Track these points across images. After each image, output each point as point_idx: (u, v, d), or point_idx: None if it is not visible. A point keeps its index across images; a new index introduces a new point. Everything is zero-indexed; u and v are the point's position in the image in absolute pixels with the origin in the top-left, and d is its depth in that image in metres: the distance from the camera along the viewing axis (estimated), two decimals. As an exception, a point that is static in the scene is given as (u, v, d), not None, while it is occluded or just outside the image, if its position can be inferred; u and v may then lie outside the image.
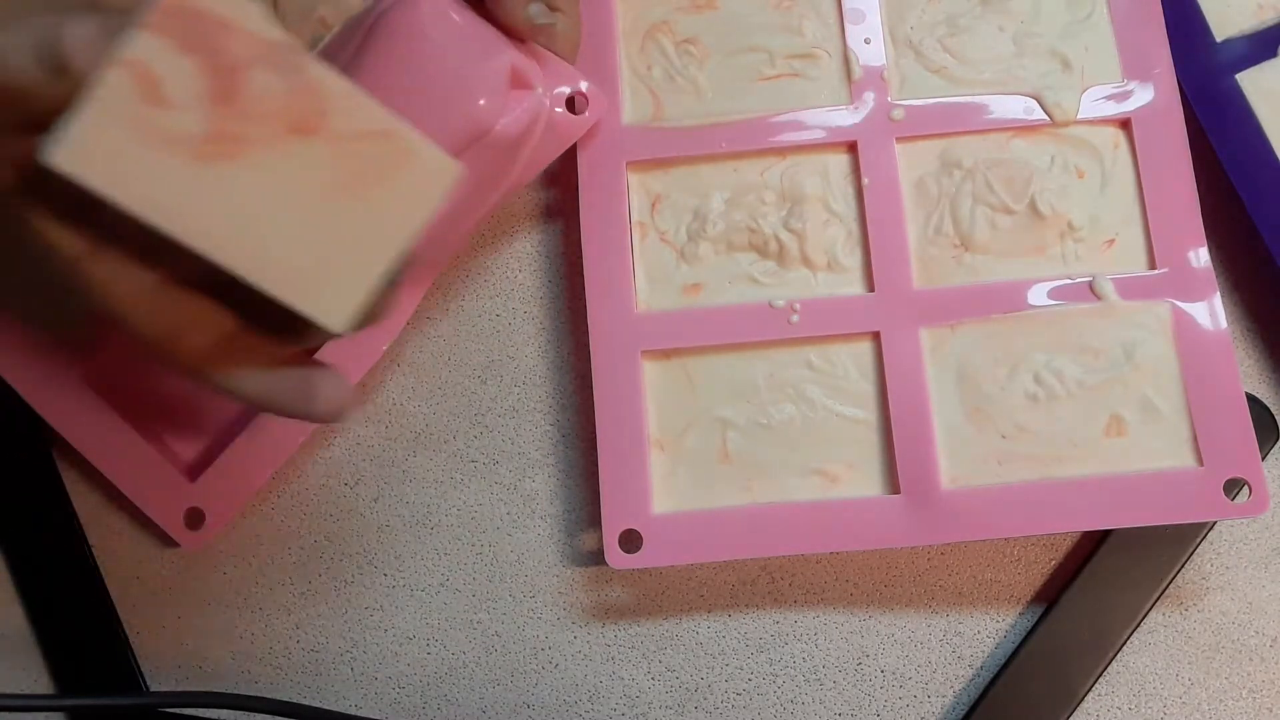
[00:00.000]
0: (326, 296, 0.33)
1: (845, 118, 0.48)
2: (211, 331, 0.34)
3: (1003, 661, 0.46)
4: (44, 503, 0.49)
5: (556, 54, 0.44)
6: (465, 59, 0.41)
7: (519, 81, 0.42)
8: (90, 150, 0.30)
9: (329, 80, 0.33)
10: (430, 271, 0.47)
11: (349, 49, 0.42)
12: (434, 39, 0.41)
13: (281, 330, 0.35)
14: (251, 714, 0.47)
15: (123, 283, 0.32)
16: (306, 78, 0.33)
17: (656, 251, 0.48)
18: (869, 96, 0.48)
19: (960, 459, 0.45)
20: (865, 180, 0.47)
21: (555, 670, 0.47)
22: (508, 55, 0.41)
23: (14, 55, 0.30)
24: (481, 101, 0.40)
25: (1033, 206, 0.46)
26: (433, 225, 0.41)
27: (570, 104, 0.45)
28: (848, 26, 0.49)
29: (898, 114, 0.48)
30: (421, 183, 0.35)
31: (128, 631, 0.48)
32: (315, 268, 0.33)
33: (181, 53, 0.31)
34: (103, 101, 0.30)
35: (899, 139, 0.48)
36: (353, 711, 0.47)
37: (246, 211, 0.32)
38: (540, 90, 0.43)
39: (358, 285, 0.34)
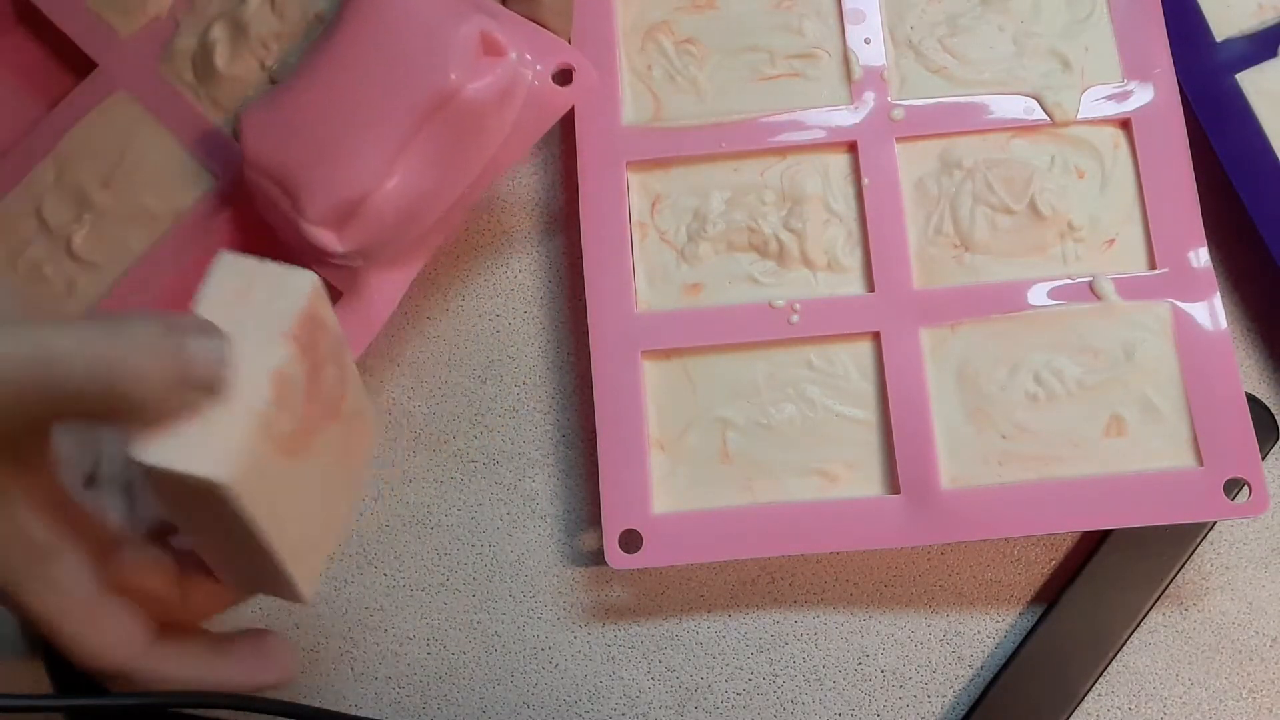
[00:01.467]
0: (311, 569, 0.35)
1: (845, 118, 0.48)
2: (142, 631, 0.34)
3: (1003, 661, 0.46)
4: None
5: (545, 26, 0.43)
6: (433, 23, 0.40)
7: (492, 49, 0.41)
8: (247, 470, 0.30)
9: (350, 364, 0.34)
10: (421, 255, 0.45)
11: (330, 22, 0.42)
12: (400, 2, 0.40)
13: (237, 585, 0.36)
14: (251, 714, 0.47)
15: (73, 585, 0.32)
16: (345, 368, 0.34)
17: (656, 251, 0.48)
18: (869, 96, 0.48)
19: (960, 459, 0.45)
20: (865, 180, 0.47)
21: (555, 670, 0.47)
22: (478, 20, 0.40)
23: (133, 363, 0.28)
24: (449, 69, 0.40)
25: (1033, 206, 0.46)
26: (411, 204, 0.41)
27: (560, 77, 0.44)
28: (848, 26, 0.49)
29: (898, 114, 0.48)
30: (366, 442, 0.37)
31: (128, 631, 0.48)
32: (313, 541, 0.35)
33: (301, 358, 0.31)
34: (256, 416, 0.30)
35: (899, 139, 0.48)
36: (353, 711, 0.47)
37: (296, 499, 0.33)
38: (514, 56, 0.41)
39: (325, 555, 0.36)
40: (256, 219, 0.44)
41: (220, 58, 0.46)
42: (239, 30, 0.46)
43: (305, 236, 0.41)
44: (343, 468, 0.35)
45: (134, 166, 0.46)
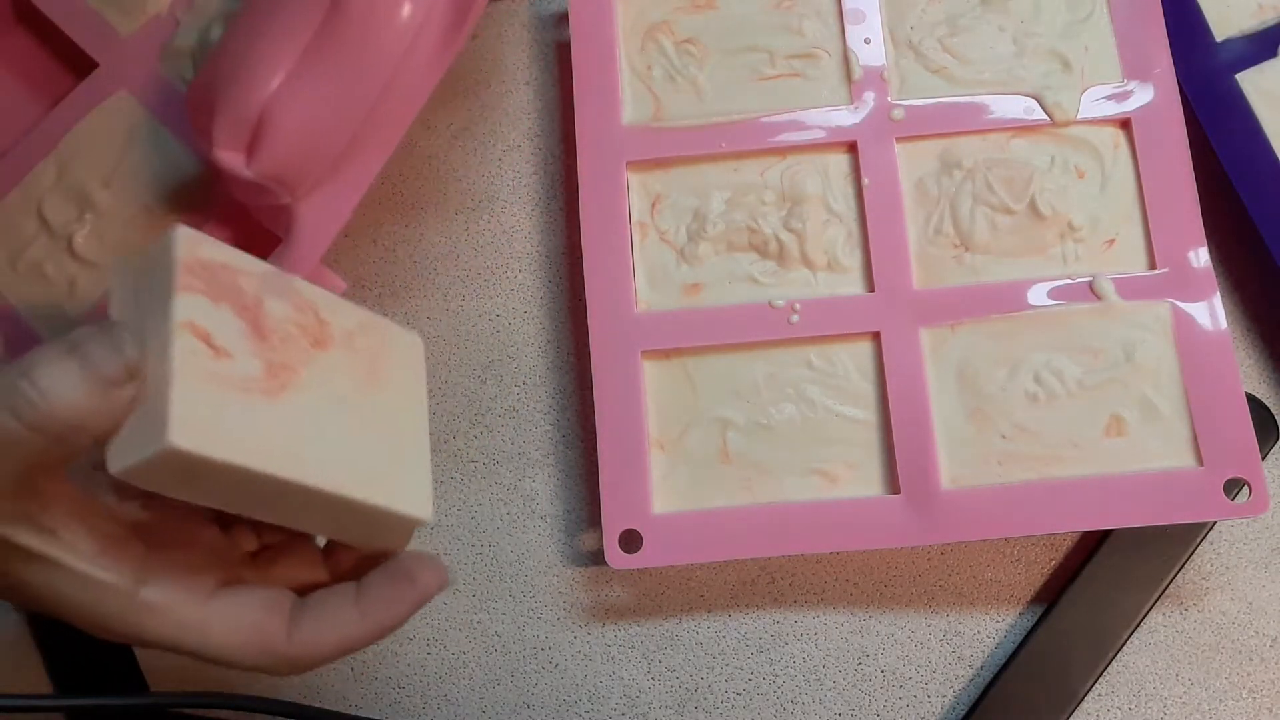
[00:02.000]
0: (409, 491, 0.35)
1: (845, 118, 0.48)
2: (269, 616, 0.34)
3: (1003, 661, 0.46)
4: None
5: None
6: None
7: None
8: (198, 422, 0.30)
9: (310, 290, 0.35)
10: (353, 183, 0.43)
11: None
12: None
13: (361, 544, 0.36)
14: (251, 714, 0.47)
15: (169, 605, 0.33)
16: (298, 295, 0.34)
17: (656, 251, 0.48)
18: (869, 96, 0.48)
19: (960, 459, 0.45)
20: (865, 180, 0.47)
21: (555, 670, 0.47)
22: None
23: (57, 401, 0.29)
24: None
25: (1033, 206, 0.46)
26: (313, 116, 0.40)
27: None
28: (848, 26, 0.49)
29: (898, 114, 0.48)
30: (406, 359, 0.37)
31: (128, 631, 0.48)
32: (388, 468, 0.35)
33: (215, 303, 0.32)
34: (183, 371, 0.30)
35: (899, 139, 0.48)
36: (353, 711, 0.47)
37: (319, 433, 0.33)
38: None
39: (424, 470, 0.36)
40: (239, 215, 0.43)
41: None
42: None
43: (217, 166, 0.40)
44: (374, 385, 0.35)
45: (135, 166, 0.46)
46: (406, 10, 0.40)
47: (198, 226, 0.45)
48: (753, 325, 0.47)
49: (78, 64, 0.48)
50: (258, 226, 0.44)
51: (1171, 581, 0.45)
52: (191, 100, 0.42)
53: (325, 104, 0.40)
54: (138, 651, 0.48)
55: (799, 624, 0.47)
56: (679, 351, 0.47)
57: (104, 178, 0.46)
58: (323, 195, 0.42)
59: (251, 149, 0.40)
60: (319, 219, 0.42)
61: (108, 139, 0.46)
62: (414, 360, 0.38)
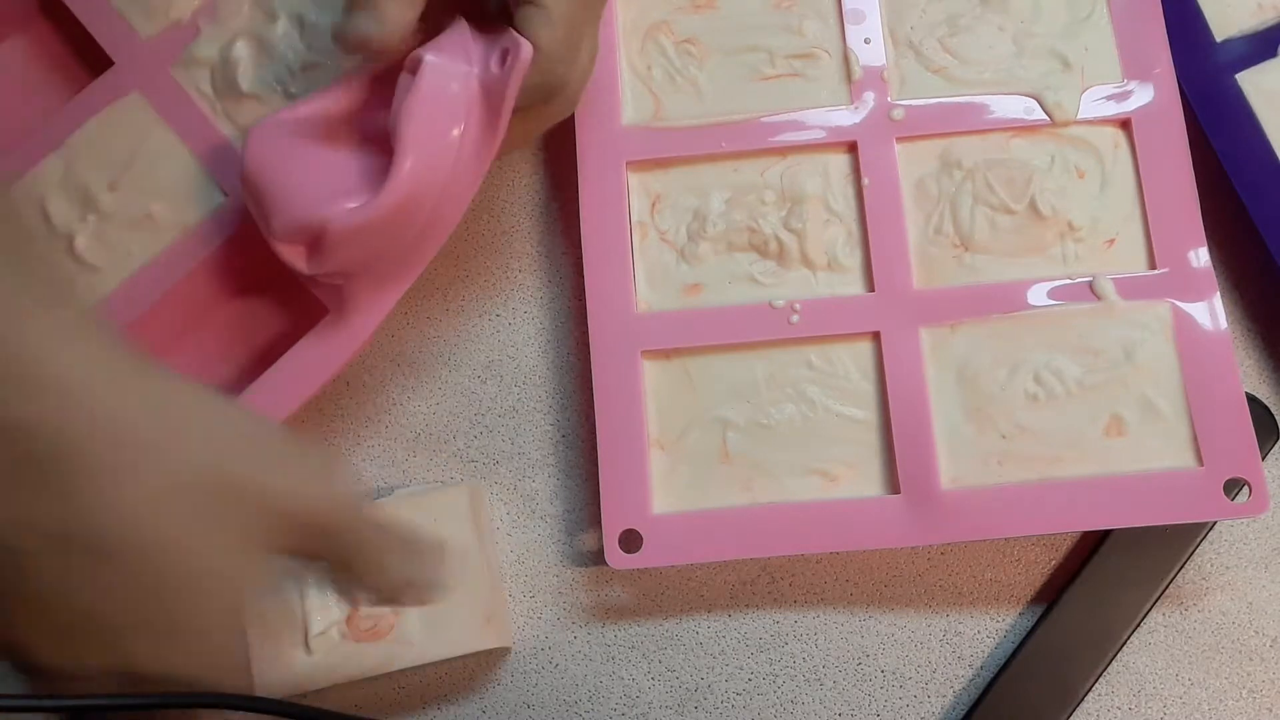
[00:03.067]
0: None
1: (845, 118, 0.48)
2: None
3: (1003, 661, 0.46)
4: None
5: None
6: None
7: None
8: None
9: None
10: (408, 273, 0.44)
11: None
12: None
13: None
14: (251, 714, 0.47)
15: None
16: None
17: (656, 251, 0.48)
18: (869, 96, 0.48)
19: (960, 459, 0.45)
20: (865, 180, 0.47)
21: (555, 670, 0.47)
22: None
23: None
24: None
25: (1033, 206, 0.46)
26: (377, 230, 0.41)
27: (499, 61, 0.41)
28: (848, 26, 0.49)
29: (898, 114, 0.48)
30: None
31: (128, 631, 0.48)
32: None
33: None
34: None
35: (899, 139, 0.48)
36: (352, 711, 0.47)
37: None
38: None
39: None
40: (259, 241, 0.43)
41: (244, 78, 0.46)
42: (264, 51, 0.46)
43: (277, 254, 0.41)
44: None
45: (143, 172, 0.46)
46: (455, 133, 0.40)
47: (203, 242, 0.45)
48: (753, 325, 0.47)
49: (95, 61, 0.48)
50: (262, 256, 0.43)
51: (1171, 581, 0.45)
52: (250, 172, 0.42)
53: (384, 226, 0.40)
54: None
55: (799, 624, 0.47)
56: (679, 351, 0.47)
57: (110, 180, 0.46)
58: (379, 282, 0.43)
59: (311, 252, 0.41)
60: (370, 302, 0.44)
61: (117, 139, 0.46)
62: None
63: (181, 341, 0.47)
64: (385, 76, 0.42)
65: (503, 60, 0.39)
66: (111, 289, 0.45)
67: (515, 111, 0.40)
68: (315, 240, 0.41)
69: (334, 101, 0.42)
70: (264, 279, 0.47)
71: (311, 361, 0.44)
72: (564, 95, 0.41)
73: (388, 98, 0.41)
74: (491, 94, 0.40)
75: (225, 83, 0.46)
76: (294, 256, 0.41)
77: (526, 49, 0.38)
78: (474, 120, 0.40)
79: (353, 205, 0.40)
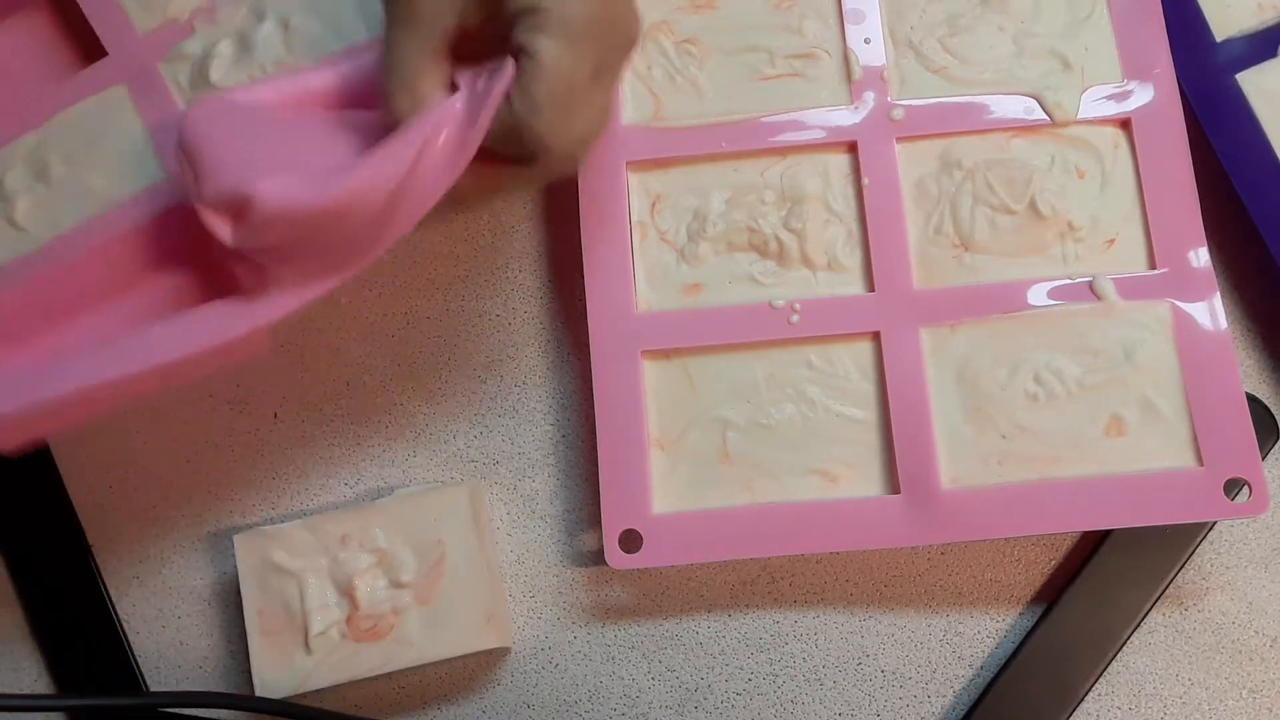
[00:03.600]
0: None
1: (845, 118, 0.48)
2: None
3: (1003, 661, 0.46)
4: (44, 503, 0.49)
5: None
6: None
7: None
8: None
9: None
10: (329, 280, 0.41)
11: None
12: None
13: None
14: (251, 714, 0.47)
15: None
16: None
17: (656, 251, 0.48)
18: (869, 96, 0.48)
19: (960, 459, 0.45)
20: (865, 180, 0.47)
21: (555, 670, 0.47)
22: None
23: None
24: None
25: (1033, 206, 0.46)
26: (303, 223, 0.39)
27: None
28: (848, 26, 0.49)
29: (898, 114, 0.48)
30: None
31: (127, 631, 0.48)
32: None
33: None
34: None
35: (899, 139, 0.48)
36: (352, 711, 0.47)
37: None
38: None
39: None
40: (193, 222, 0.41)
41: (216, 71, 0.46)
42: (245, 48, 0.46)
43: (200, 217, 0.40)
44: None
45: (103, 156, 0.46)
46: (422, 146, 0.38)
47: (126, 215, 0.45)
48: (753, 325, 0.47)
49: (90, 50, 0.48)
50: (187, 235, 0.43)
51: (1171, 581, 0.45)
52: (186, 135, 0.41)
53: (318, 217, 0.38)
54: (137, 651, 0.48)
55: (799, 624, 0.47)
56: (679, 351, 0.47)
57: (69, 155, 0.46)
58: (301, 268, 0.41)
59: (236, 223, 0.39)
60: (290, 288, 0.41)
61: (92, 127, 0.47)
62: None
63: (97, 306, 0.45)
64: (361, 75, 0.41)
65: (490, 78, 0.38)
66: (28, 252, 0.45)
67: (487, 160, 0.38)
68: (240, 212, 0.39)
69: (298, 87, 0.41)
70: (194, 259, 0.45)
71: (192, 330, 0.41)
72: (544, 163, 0.39)
73: (362, 95, 0.40)
74: (470, 111, 0.38)
75: (200, 75, 0.47)
76: (218, 225, 0.40)
77: (510, 66, 0.38)
78: (449, 136, 0.38)
79: (289, 185, 0.38)
